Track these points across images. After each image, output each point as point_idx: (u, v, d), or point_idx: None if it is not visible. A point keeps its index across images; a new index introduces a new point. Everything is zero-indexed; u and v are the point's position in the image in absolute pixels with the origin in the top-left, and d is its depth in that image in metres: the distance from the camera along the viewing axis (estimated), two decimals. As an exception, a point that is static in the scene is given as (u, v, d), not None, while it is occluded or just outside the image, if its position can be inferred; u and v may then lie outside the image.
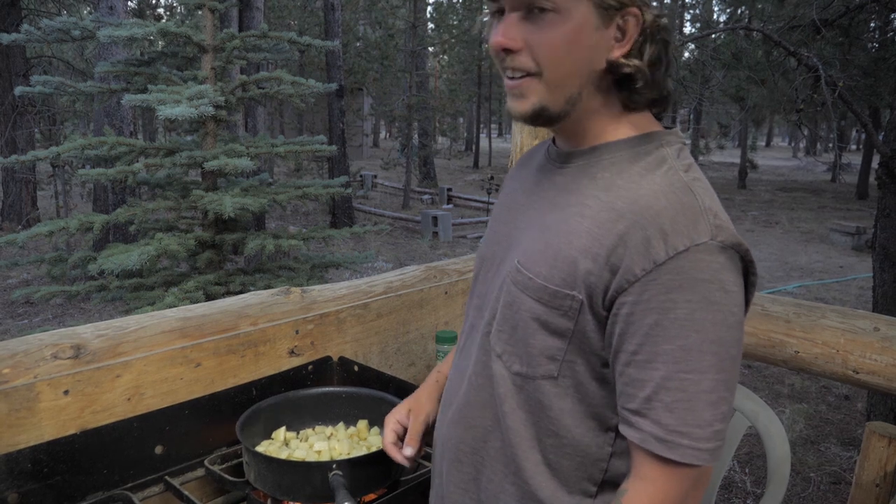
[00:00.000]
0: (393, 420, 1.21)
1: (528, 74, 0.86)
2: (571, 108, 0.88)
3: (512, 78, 0.87)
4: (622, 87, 0.89)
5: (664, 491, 0.81)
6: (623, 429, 0.84)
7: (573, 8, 0.82)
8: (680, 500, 0.82)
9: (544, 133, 2.02)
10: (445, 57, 24.62)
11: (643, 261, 0.79)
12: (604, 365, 0.87)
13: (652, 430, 0.80)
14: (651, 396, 0.80)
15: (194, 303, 1.71)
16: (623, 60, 0.85)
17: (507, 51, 0.86)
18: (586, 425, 0.90)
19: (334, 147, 4.62)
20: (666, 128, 0.94)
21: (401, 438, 1.20)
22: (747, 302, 0.85)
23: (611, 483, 0.92)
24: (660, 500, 0.82)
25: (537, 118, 0.88)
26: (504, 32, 0.85)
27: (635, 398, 0.82)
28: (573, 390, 0.89)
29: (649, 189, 0.83)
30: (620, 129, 0.91)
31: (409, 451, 1.15)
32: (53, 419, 1.28)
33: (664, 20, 0.87)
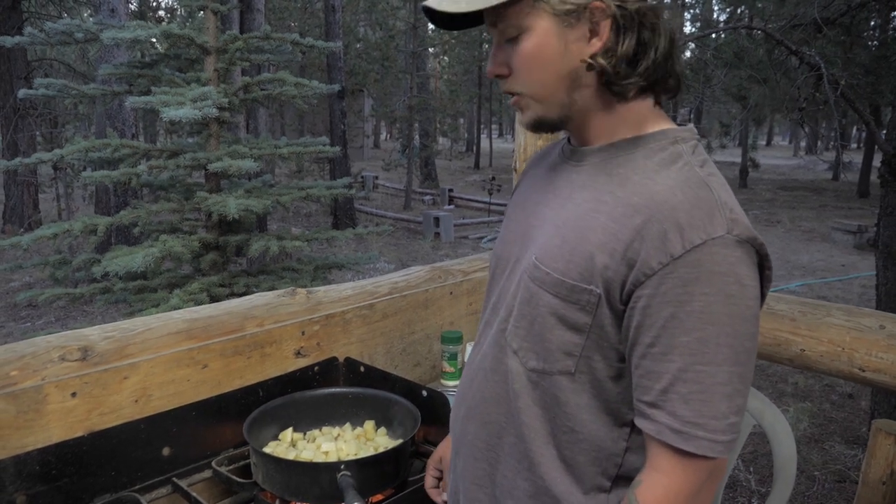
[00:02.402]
0: (432, 466, 1.27)
1: (518, 93, 0.93)
2: (570, 112, 0.92)
3: (510, 97, 0.95)
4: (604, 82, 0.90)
5: (679, 483, 0.82)
6: (639, 421, 0.85)
7: (534, 24, 0.86)
8: (694, 492, 0.82)
9: (547, 134, 2.02)
10: (446, 58, 24.58)
11: (660, 254, 0.80)
12: (620, 360, 0.88)
13: (668, 422, 0.81)
14: (667, 388, 0.80)
15: (198, 304, 1.71)
16: (589, 60, 0.87)
17: (501, 76, 0.93)
18: (602, 420, 0.90)
19: (337, 148, 4.63)
20: (679, 125, 0.94)
21: (439, 480, 1.26)
22: (763, 296, 0.86)
23: (625, 478, 0.92)
24: (674, 491, 0.82)
25: (540, 127, 0.95)
26: (492, 60, 0.93)
27: (651, 390, 0.82)
28: (590, 386, 0.90)
29: (665, 184, 0.84)
30: (633, 126, 0.92)
31: (447, 495, 1.19)
32: (61, 421, 1.29)
33: (635, 5, 0.85)
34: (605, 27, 0.86)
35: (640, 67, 0.87)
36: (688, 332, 0.79)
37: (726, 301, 0.78)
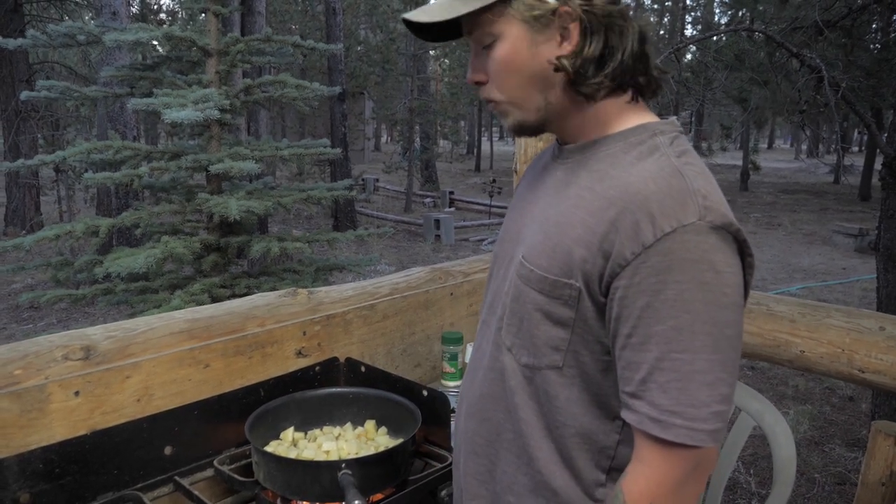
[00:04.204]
0: None
1: (496, 100, 0.94)
2: (546, 115, 0.93)
3: (489, 104, 0.97)
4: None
5: (662, 473, 0.82)
6: (623, 413, 0.85)
7: (505, 31, 0.89)
8: (678, 483, 0.82)
9: (548, 136, 2.03)
10: (447, 60, 24.59)
11: (633, 244, 0.80)
12: (606, 353, 0.88)
13: (647, 411, 0.81)
14: (646, 378, 0.81)
15: (200, 305, 1.71)
16: (555, 61, 0.88)
17: (479, 83, 0.95)
18: (593, 413, 0.91)
19: (338, 150, 4.64)
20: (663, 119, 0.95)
21: None
22: (747, 284, 0.85)
23: (618, 470, 0.93)
24: (657, 482, 0.82)
25: (521, 131, 0.96)
26: (471, 68, 0.95)
27: (632, 381, 0.83)
28: (579, 380, 0.91)
29: (639, 175, 0.85)
30: (614, 122, 0.93)
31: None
32: (64, 420, 1.29)
33: (602, 8, 0.86)
34: (575, 31, 0.87)
35: (606, 69, 0.88)
36: (662, 320, 0.79)
37: (701, 288, 0.78)
